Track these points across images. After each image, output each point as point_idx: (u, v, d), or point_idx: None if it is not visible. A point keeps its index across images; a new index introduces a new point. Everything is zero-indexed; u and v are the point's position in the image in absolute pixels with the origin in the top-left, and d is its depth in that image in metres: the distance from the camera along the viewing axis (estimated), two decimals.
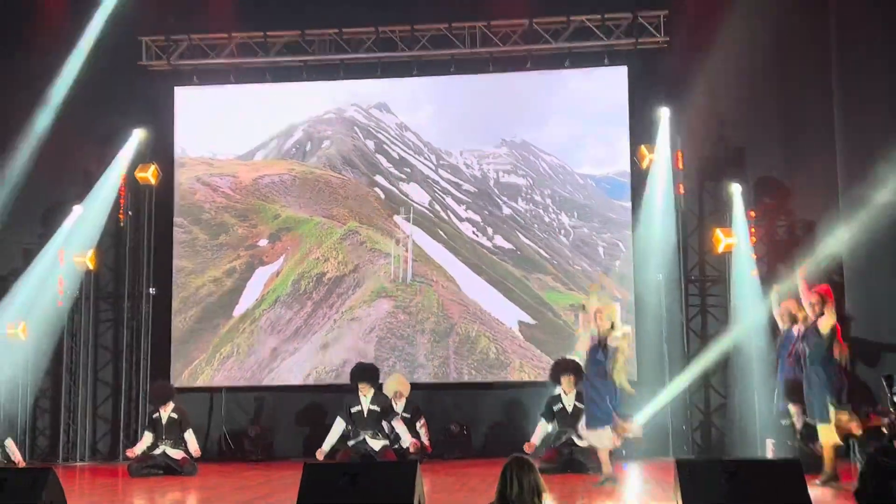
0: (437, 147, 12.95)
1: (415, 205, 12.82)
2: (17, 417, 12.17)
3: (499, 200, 12.83)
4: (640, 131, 12.24)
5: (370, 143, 12.98)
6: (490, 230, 12.76)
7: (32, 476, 6.67)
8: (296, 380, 12.41)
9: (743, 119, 12.26)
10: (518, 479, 4.76)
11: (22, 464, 10.87)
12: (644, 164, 12.11)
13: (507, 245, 12.71)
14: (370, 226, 12.70)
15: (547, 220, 12.75)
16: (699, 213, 12.40)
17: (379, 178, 12.89)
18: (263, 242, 12.88)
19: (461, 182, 12.89)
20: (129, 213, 12.75)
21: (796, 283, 9.16)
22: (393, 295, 12.47)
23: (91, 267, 12.49)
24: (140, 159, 12.66)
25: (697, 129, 12.24)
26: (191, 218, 12.96)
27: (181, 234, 12.90)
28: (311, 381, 12.40)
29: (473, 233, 12.75)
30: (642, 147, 12.10)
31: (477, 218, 12.81)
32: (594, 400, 8.74)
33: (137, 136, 12.65)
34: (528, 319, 12.33)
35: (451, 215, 12.79)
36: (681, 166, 12.09)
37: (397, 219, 12.73)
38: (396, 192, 12.84)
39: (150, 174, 12.56)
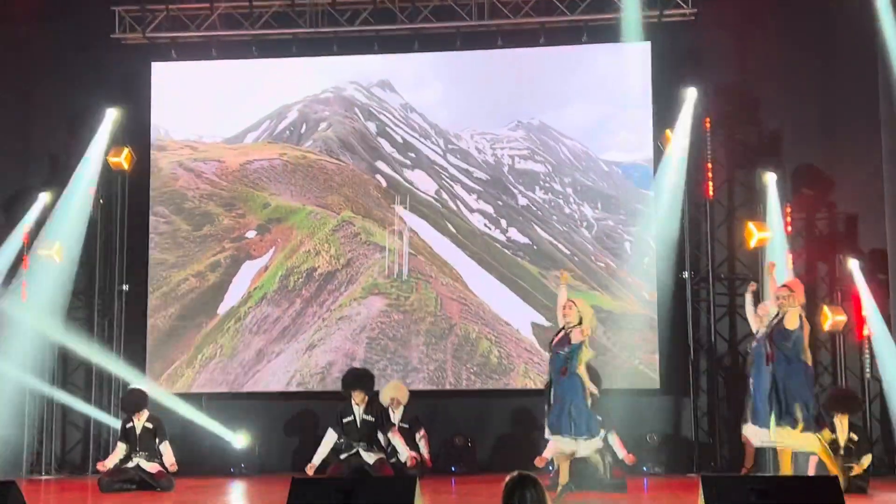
0: (446, 130, 13.00)
1: (420, 193, 12.81)
2: None
3: (514, 189, 12.88)
4: (666, 114, 12.22)
5: (371, 126, 13.03)
6: (504, 222, 12.80)
7: None
8: (279, 383, 12.43)
9: (779, 101, 12.29)
10: (521, 497, 4.79)
11: None
12: (669, 150, 12.08)
13: (523, 239, 12.74)
14: (367, 216, 12.73)
15: (567, 211, 12.77)
16: (728, 205, 12.38)
17: (380, 165, 12.94)
18: (251, 234, 12.94)
19: (472, 169, 12.93)
20: (101, 201, 12.76)
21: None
22: (387, 292, 12.51)
23: (58, 260, 12.50)
24: (113, 142, 12.66)
25: (728, 112, 12.25)
26: (172, 207, 13.02)
27: (161, 225, 12.95)
28: (293, 385, 12.43)
29: (485, 225, 12.80)
30: (667, 131, 12.08)
31: (489, 209, 12.83)
32: (551, 402, 8.82)
33: (110, 117, 12.66)
34: (542, 321, 12.34)
35: (461, 205, 12.82)
36: (709, 153, 12.03)
37: (398, 209, 12.70)
38: (400, 179, 12.91)
39: (123, 159, 12.59)
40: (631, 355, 12.11)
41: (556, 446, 8.89)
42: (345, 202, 12.84)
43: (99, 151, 12.63)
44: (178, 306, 12.82)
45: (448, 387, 12.29)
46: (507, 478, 4.87)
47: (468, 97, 12.90)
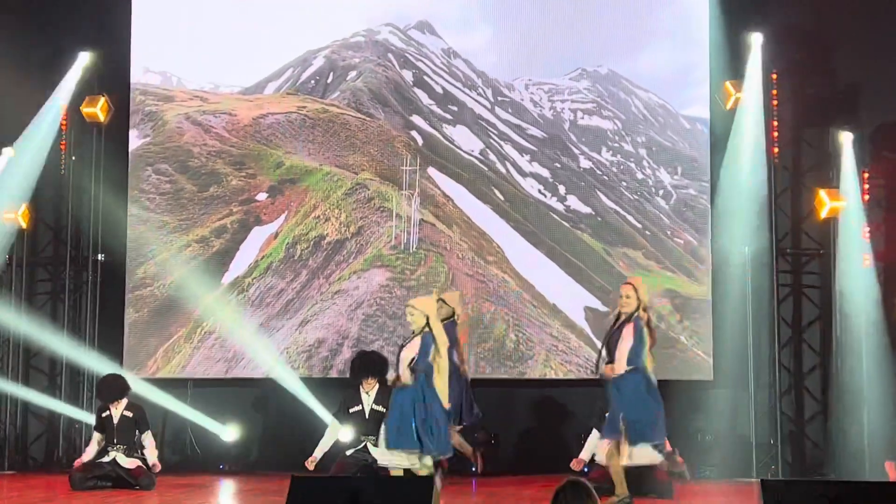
0: (495, 79, 13.14)
1: (461, 154, 12.92)
2: None
3: (575, 150, 12.99)
4: (724, 63, 12.23)
5: (407, 74, 13.20)
6: (562, 188, 12.92)
7: None
8: (268, 363, 12.52)
9: (857, 48, 12.19)
10: None
11: None
12: (728, 105, 12.11)
13: (585, 209, 12.84)
14: (388, 179, 12.92)
15: (640, 176, 12.89)
16: (794, 169, 12.36)
17: (416, 119, 13.02)
18: (262, 196, 13.20)
19: (526, 125, 13.05)
20: (73, 157, 12.85)
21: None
22: (391, 264, 12.74)
23: (24, 225, 12.62)
24: (87, 90, 12.69)
25: (798, 61, 12.18)
26: (176, 164, 13.31)
27: (164, 184, 13.14)
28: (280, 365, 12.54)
29: (539, 192, 12.91)
30: (727, 83, 12.09)
31: (545, 172, 12.96)
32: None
33: (83, 61, 12.69)
34: (598, 306, 12.43)
35: (511, 168, 12.92)
36: (775, 108, 12.00)
37: (433, 171, 12.77)
38: (438, 136, 12.97)
39: (99, 109, 12.69)
40: (708, 347, 12.05)
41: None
42: (368, 163, 12.97)
43: (69, 100, 12.70)
44: (180, 274, 12.97)
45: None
46: (558, 486, 4.86)
47: (523, 40, 12.91)
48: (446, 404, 9.17)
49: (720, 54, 12.27)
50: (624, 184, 12.79)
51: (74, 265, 12.99)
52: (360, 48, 13.24)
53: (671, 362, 12.07)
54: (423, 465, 8.95)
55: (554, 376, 12.21)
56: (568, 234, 12.70)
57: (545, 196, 12.81)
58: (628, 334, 9.10)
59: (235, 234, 13.07)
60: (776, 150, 12.12)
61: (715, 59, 12.32)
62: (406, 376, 9.14)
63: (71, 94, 12.74)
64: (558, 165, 12.90)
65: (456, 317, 10.16)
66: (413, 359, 9.17)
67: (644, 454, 9.19)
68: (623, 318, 9.19)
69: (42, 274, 13.23)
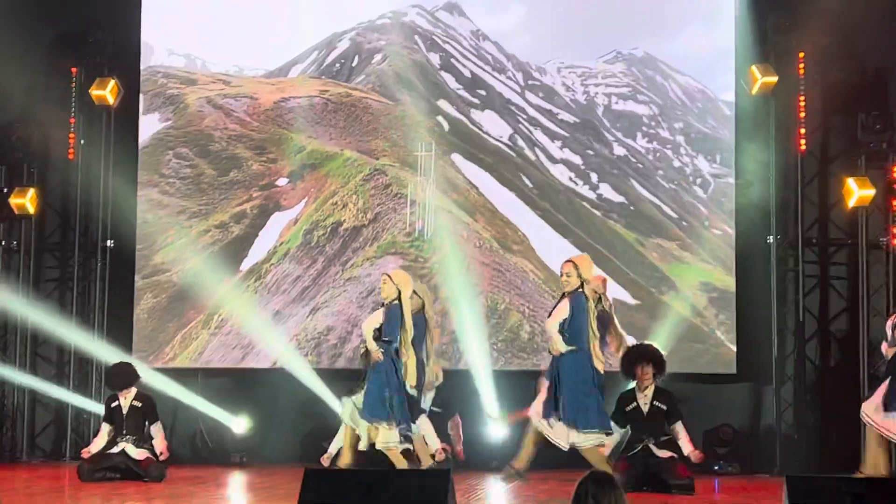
0: (526, 62, 13.19)
1: (489, 139, 12.98)
2: None
3: (609, 136, 13.01)
4: (751, 45, 12.23)
5: (434, 57, 13.28)
6: (594, 176, 12.92)
7: None
8: (279, 352, 12.66)
9: (885, 31, 12.15)
10: (597, 502, 4.80)
11: None
12: (754, 90, 12.07)
13: (618, 197, 12.84)
14: (408, 165, 13.11)
15: (676, 164, 12.86)
16: (820, 156, 12.33)
17: (443, 104, 13.15)
18: (283, 182, 13.36)
19: (557, 110, 13.08)
20: (82, 141, 12.90)
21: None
22: (405, 251, 12.82)
23: (31, 210, 12.69)
24: (97, 72, 12.76)
25: (824, 45, 12.12)
26: (197, 149, 13.46)
27: (184, 168, 13.26)
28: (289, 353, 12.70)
29: (570, 179, 12.92)
30: (752, 67, 12.04)
31: (576, 159, 12.98)
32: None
33: (93, 42, 12.74)
34: (627, 299, 12.42)
35: (540, 154, 12.98)
36: (802, 94, 11.97)
37: (458, 158, 12.84)
38: (465, 121, 13.02)
39: (108, 92, 12.72)
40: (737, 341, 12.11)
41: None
42: (389, 148, 13.07)
43: (81, 84, 12.83)
44: (198, 260, 13.17)
45: (462, 366, 12.44)
46: (580, 479, 4.88)
47: (555, 21, 12.97)
48: (412, 383, 9.68)
49: (747, 38, 12.33)
50: (660, 172, 12.81)
51: (83, 252, 13.15)
52: (387, 31, 13.36)
53: (703, 357, 12.15)
54: (402, 439, 9.57)
55: None
56: (599, 224, 12.74)
57: (576, 184, 12.86)
58: (561, 308, 9.30)
59: (255, 219, 13.25)
60: (803, 136, 12.12)
61: (742, 42, 12.37)
62: (374, 348, 9.49)
63: (80, 77, 12.90)
64: (590, 152, 12.95)
65: (425, 311, 10.27)
66: (377, 328, 9.57)
67: (588, 438, 9.40)
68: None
69: (50, 260, 13.42)
